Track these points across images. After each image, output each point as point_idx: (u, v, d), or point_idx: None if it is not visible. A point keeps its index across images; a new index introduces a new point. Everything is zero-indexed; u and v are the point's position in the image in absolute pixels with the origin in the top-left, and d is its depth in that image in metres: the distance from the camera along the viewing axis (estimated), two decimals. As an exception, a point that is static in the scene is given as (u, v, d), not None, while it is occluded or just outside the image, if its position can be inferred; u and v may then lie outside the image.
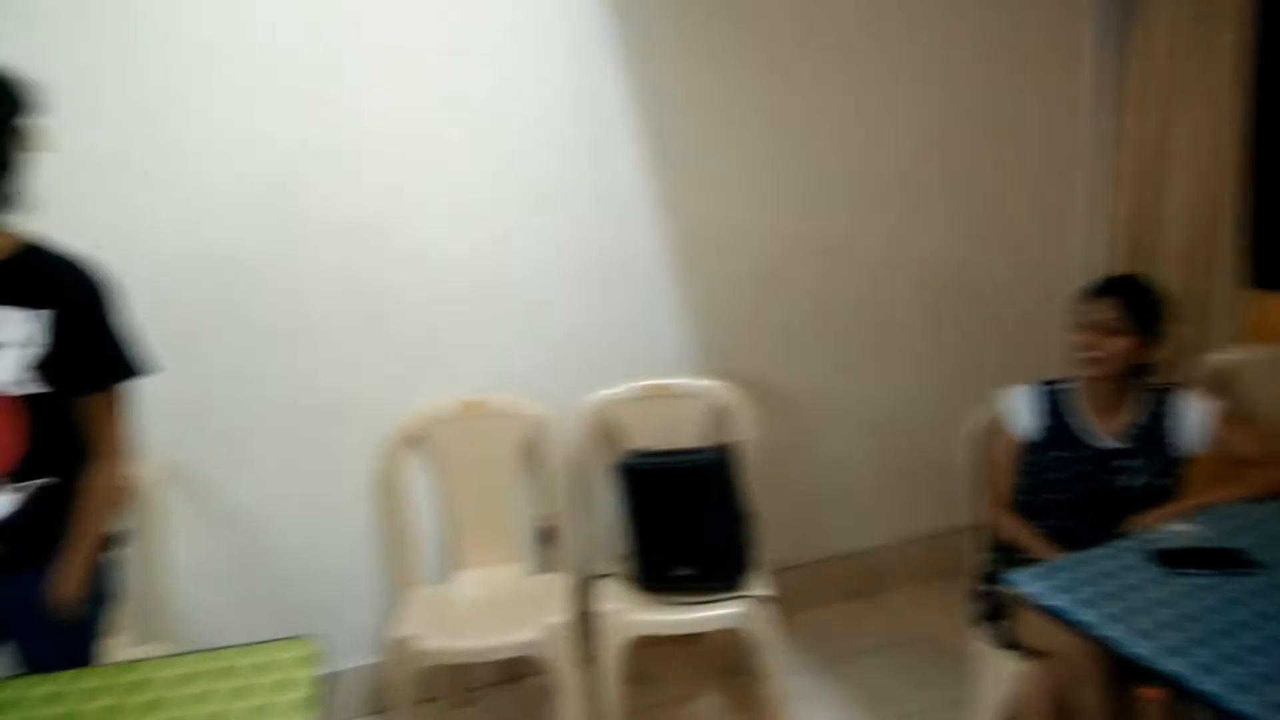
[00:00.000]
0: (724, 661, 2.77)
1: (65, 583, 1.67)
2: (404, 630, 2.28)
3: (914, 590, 3.11)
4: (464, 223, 2.49)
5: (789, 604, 2.39)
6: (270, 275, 2.36)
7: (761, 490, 2.55)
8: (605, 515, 2.68)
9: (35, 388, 1.60)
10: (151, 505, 2.31)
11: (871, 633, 2.91)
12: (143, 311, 2.16)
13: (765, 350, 2.86)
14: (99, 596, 1.76)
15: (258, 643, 1.65)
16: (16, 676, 1.63)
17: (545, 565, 2.64)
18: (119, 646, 2.26)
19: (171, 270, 2.27)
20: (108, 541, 1.77)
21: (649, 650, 2.50)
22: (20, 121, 1.57)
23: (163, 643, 2.30)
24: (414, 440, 2.54)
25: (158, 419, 2.30)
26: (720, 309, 2.78)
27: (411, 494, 2.55)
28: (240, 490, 2.44)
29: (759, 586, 2.37)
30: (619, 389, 2.63)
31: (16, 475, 1.63)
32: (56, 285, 1.62)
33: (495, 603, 2.47)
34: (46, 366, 1.60)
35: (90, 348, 1.65)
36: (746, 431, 2.60)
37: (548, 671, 2.28)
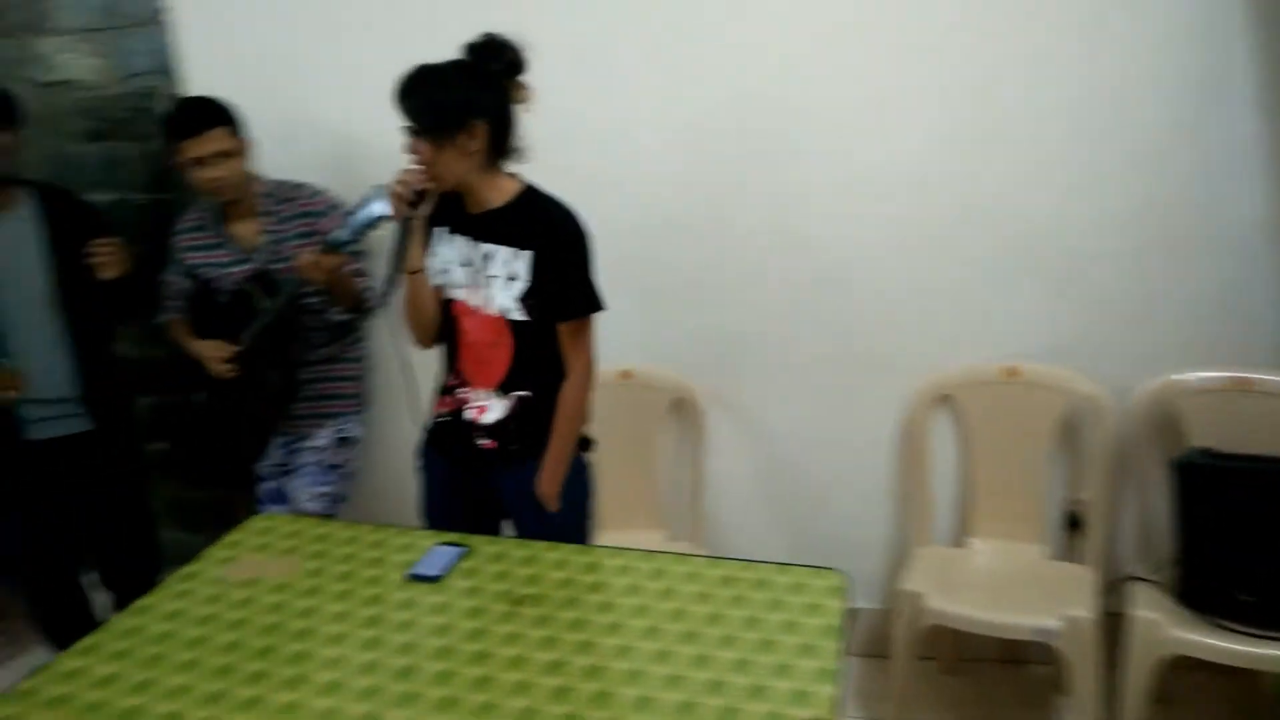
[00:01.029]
0: (1277, 711, 2.34)
1: (547, 479, 1.97)
2: (912, 585, 2.28)
3: None
4: (1024, 179, 2.34)
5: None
6: (817, 222, 2.45)
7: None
8: (1150, 514, 2.39)
9: (520, 316, 1.89)
10: (698, 422, 2.58)
11: None
12: (675, 250, 2.40)
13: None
14: (578, 491, 2.04)
15: (792, 564, 1.77)
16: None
17: (1068, 553, 2.45)
18: (658, 541, 2.59)
19: (733, 212, 2.47)
20: (583, 445, 2.05)
21: (1179, 672, 2.20)
22: (516, 79, 1.84)
23: (692, 543, 2.59)
24: (944, 399, 2.49)
25: (712, 347, 2.57)
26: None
27: (934, 452, 2.52)
28: (774, 420, 2.62)
29: (1348, 637, 1.95)
30: (1191, 376, 2.30)
31: (502, 387, 1.96)
32: (542, 228, 1.87)
33: (1011, 580, 2.36)
34: (528, 298, 1.87)
35: (560, 285, 1.88)
36: (1356, 449, 2.13)
37: (1059, 665, 2.13)
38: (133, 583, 2.54)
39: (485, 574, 1.78)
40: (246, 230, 2.37)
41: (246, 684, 1.48)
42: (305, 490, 2.46)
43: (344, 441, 2.50)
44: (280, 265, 2.33)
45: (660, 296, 2.56)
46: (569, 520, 2.02)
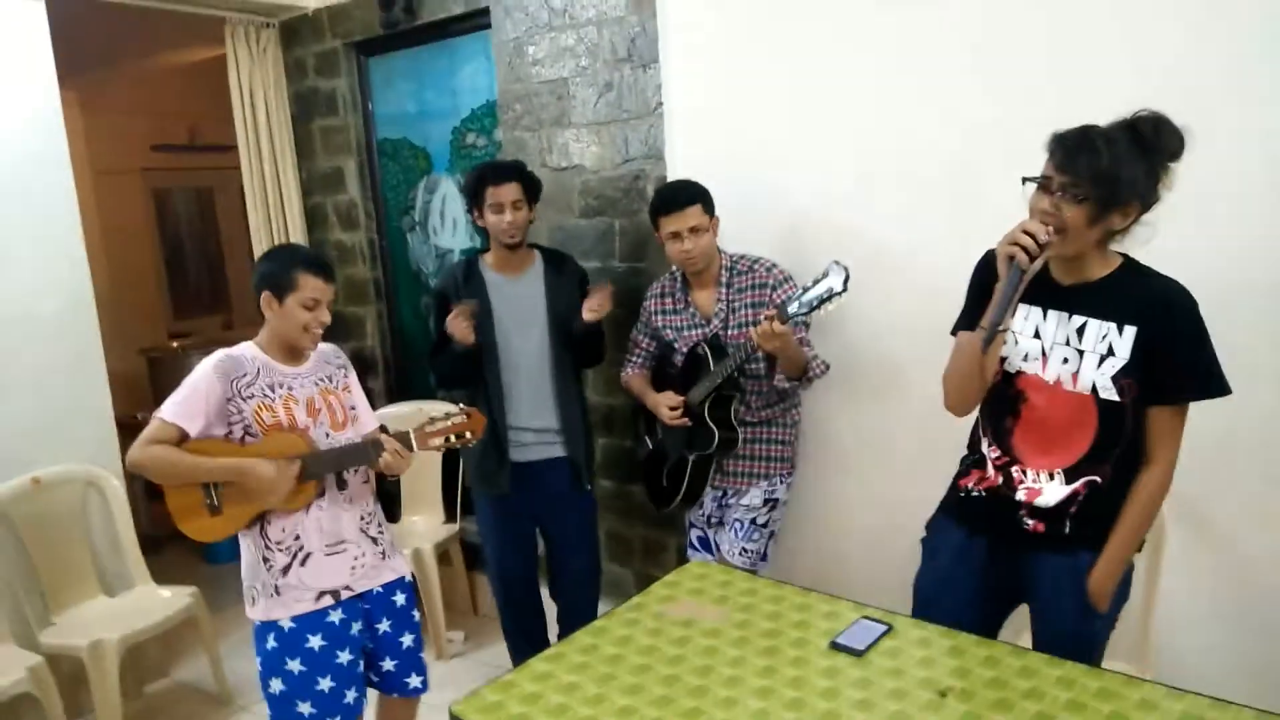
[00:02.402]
0: None
1: (1104, 576, 1.81)
2: None
3: None
4: None
5: None
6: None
7: None
8: None
9: (1112, 395, 1.76)
10: (1155, 531, 2.31)
11: None
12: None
13: None
14: (1120, 595, 1.87)
15: (1272, 713, 1.52)
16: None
17: None
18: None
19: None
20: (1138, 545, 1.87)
21: None
22: (1171, 164, 1.71)
23: (1135, 666, 2.31)
24: None
25: (1185, 450, 2.28)
26: None
27: None
28: (1255, 543, 2.25)
29: None
30: None
31: (1072, 469, 1.83)
32: (1147, 306, 1.73)
33: None
34: (1125, 375, 1.74)
35: (1170, 366, 1.73)
36: None
37: None
38: (577, 598, 2.88)
39: (909, 656, 1.75)
40: (706, 299, 2.61)
41: (682, 718, 1.61)
42: (733, 544, 2.61)
43: (771, 503, 2.62)
44: (732, 332, 2.52)
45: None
46: (1103, 625, 1.89)
